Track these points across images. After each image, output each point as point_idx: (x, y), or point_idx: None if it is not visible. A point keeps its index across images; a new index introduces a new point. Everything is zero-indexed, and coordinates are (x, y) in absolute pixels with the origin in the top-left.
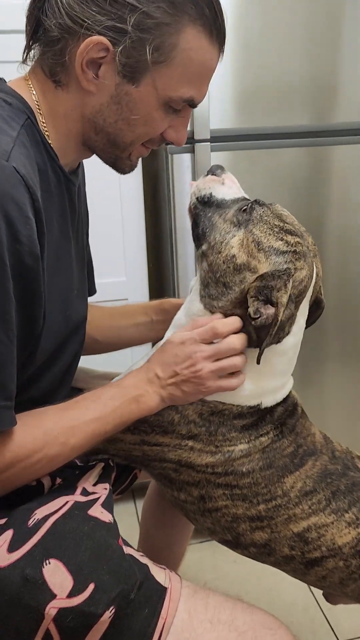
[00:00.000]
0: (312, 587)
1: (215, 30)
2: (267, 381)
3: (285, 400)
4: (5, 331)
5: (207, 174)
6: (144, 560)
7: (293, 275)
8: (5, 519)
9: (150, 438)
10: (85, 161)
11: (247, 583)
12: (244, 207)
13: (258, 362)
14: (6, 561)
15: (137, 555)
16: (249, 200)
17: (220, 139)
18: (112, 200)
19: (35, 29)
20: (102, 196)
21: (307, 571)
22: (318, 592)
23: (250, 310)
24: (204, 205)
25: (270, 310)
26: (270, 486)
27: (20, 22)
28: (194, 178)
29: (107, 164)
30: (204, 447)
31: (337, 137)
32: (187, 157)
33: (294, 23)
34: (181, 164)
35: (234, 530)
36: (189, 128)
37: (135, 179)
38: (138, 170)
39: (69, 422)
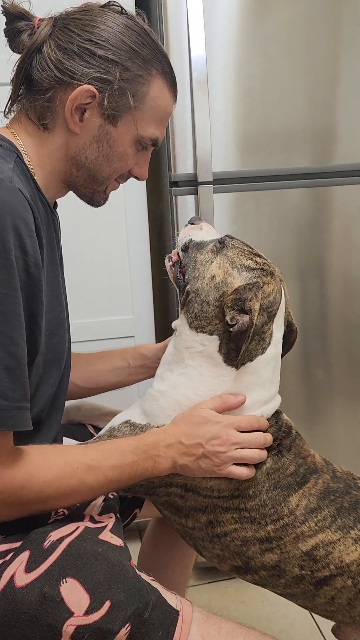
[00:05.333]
0: (322, 630)
1: (173, 84)
2: (258, 392)
3: (277, 422)
4: (20, 333)
5: (186, 225)
6: (155, 584)
7: (262, 287)
8: (21, 542)
9: None
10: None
11: (256, 625)
12: (219, 240)
13: (237, 368)
14: (24, 581)
15: (149, 579)
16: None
17: (222, 181)
18: (119, 240)
19: (23, 82)
20: (109, 236)
21: (317, 592)
22: (328, 635)
23: (227, 318)
24: (185, 251)
25: (245, 317)
26: (277, 506)
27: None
28: None
29: (83, 198)
30: None
31: (337, 178)
32: (190, 198)
33: (295, 69)
34: (185, 205)
35: (244, 554)
36: (192, 171)
37: (141, 220)
38: (144, 212)
39: (90, 462)
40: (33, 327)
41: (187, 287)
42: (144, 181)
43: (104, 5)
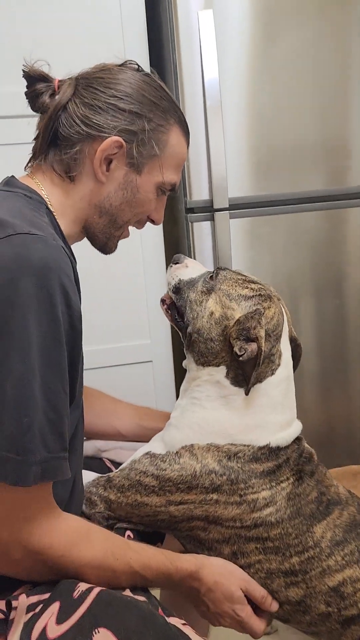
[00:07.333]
0: None
1: (187, 132)
2: (269, 414)
3: (298, 447)
4: (63, 385)
5: (171, 266)
6: (186, 630)
7: (264, 313)
8: (49, 594)
9: (176, 497)
10: None
11: None
12: (210, 275)
13: (247, 394)
14: (56, 632)
15: (179, 623)
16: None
17: (238, 207)
18: (135, 266)
19: (50, 137)
20: (126, 262)
21: (344, 631)
22: None
23: (236, 349)
24: (177, 293)
25: (253, 345)
26: (300, 537)
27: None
28: (214, 244)
29: (97, 244)
30: (229, 499)
31: (352, 200)
32: (206, 224)
33: (305, 94)
34: (201, 231)
35: (268, 587)
36: (207, 197)
37: (157, 245)
38: (160, 238)
39: (114, 553)
40: (74, 375)
41: (188, 329)
42: None
43: (122, 65)
